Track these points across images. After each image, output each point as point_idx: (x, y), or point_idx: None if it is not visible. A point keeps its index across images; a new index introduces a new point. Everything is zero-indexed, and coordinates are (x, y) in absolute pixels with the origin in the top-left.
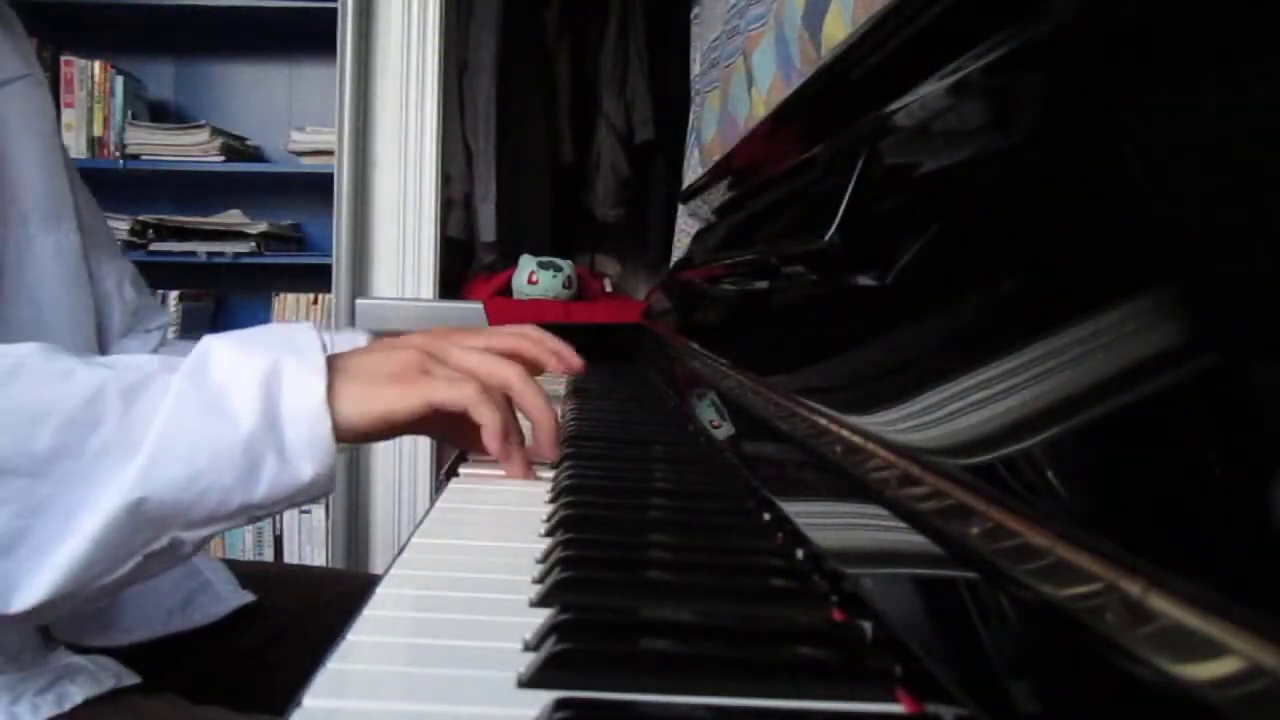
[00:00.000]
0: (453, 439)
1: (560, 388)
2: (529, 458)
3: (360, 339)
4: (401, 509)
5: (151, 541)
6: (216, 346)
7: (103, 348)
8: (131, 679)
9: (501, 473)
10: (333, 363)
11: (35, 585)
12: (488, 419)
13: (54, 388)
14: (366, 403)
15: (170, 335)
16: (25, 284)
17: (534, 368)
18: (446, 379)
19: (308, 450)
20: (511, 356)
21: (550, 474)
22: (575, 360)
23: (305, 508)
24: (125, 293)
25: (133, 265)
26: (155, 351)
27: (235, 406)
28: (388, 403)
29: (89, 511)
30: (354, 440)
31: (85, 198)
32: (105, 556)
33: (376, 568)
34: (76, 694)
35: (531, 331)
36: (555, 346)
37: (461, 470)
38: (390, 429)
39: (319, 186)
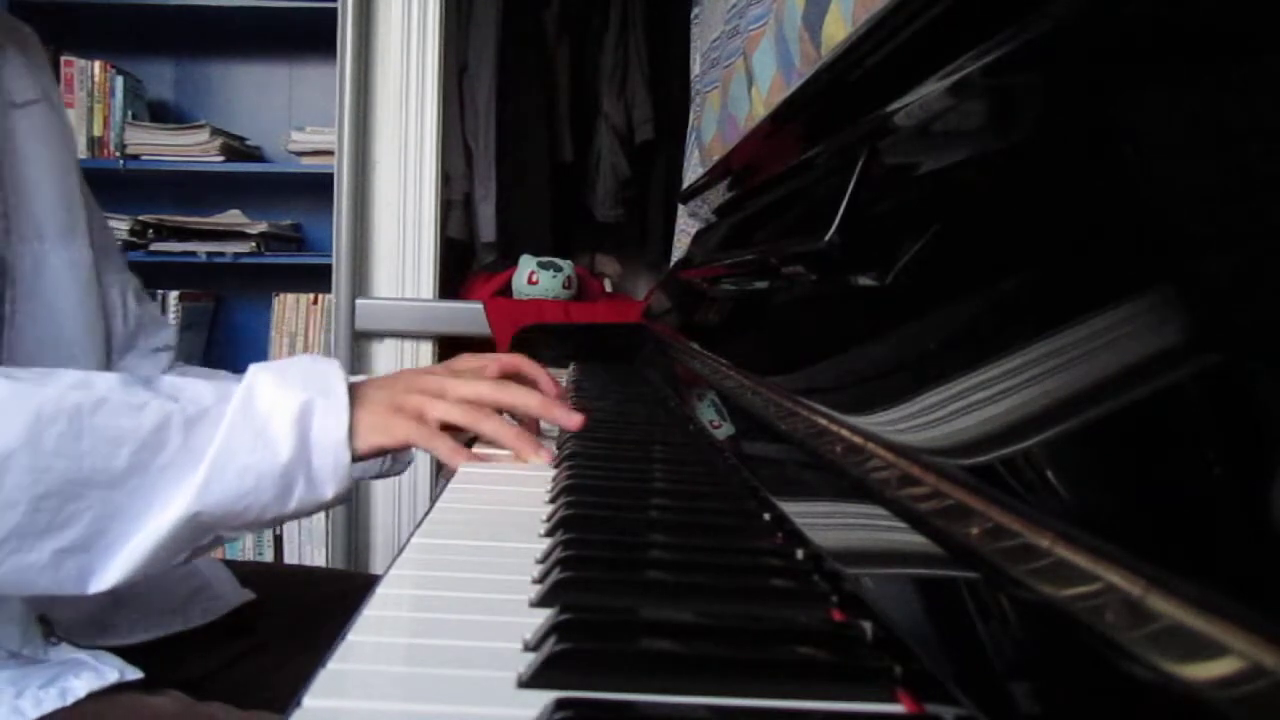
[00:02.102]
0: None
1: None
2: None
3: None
4: (401, 509)
5: (199, 540)
6: (261, 381)
7: (108, 357)
8: (134, 674)
9: (501, 472)
10: (353, 395)
11: (108, 574)
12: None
13: (131, 417)
14: (369, 437)
15: (175, 359)
16: (44, 295)
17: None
18: (435, 414)
19: (331, 476)
20: (509, 376)
21: (550, 474)
22: (572, 419)
23: None
24: (128, 304)
25: (136, 279)
26: (166, 374)
27: (276, 438)
28: (383, 438)
29: (154, 518)
30: (362, 460)
31: (98, 215)
32: (164, 553)
33: (376, 568)
34: (79, 688)
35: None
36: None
37: (461, 470)
38: (385, 453)
39: (319, 186)
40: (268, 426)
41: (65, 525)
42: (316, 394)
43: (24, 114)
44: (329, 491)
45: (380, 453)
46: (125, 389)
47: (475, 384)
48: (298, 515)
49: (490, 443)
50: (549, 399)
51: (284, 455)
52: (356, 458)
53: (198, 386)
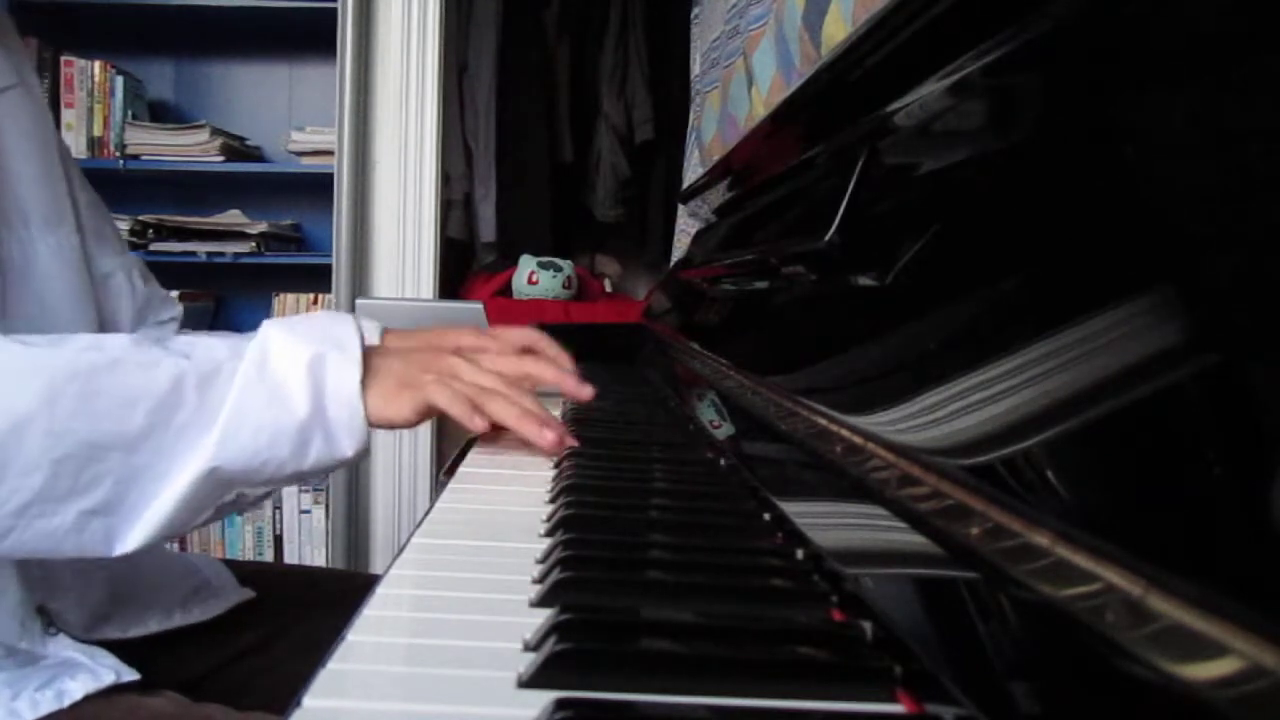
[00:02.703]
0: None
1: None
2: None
3: (372, 328)
4: (401, 509)
5: (222, 497)
6: (275, 338)
7: None
8: (131, 675)
9: (502, 472)
10: (367, 357)
11: (133, 536)
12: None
13: (144, 376)
14: (380, 407)
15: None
16: (32, 283)
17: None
18: (444, 397)
19: (347, 430)
20: (525, 352)
21: (550, 474)
22: (583, 391)
23: (305, 507)
24: (135, 284)
25: (138, 259)
26: None
27: (291, 394)
28: (394, 410)
29: (174, 477)
30: (378, 425)
31: (88, 197)
32: (187, 510)
33: (376, 568)
34: (76, 690)
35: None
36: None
37: (461, 470)
38: (393, 427)
39: (319, 186)
40: (282, 382)
41: (87, 488)
42: (329, 347)
43: (1, 99)
44: (348, 447)
45: (388, 425)
46: (138, 348)
47: (488, 374)
48: (319, 472)
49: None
50: (564, 371)
51: (299, 411)
52: (374, 422)
53: (210, 343)
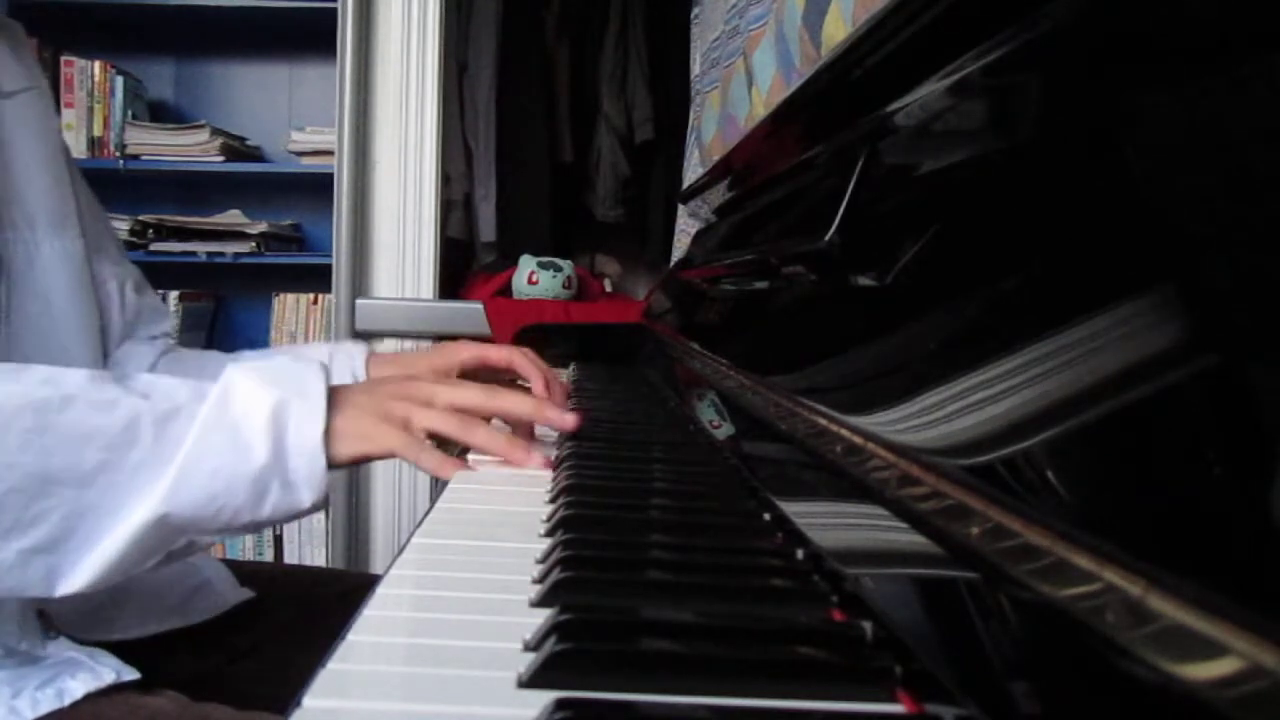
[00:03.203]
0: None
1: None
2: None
3: (357, 351)
4: (401, 509)
5: (173, 542)
6: (238, 381)
7: (104, 348)
8: (131, 674)
9: (501, 472)
10: (333, 399)
11: (77, 576)
12: (426, 461)
13: (101, 415)
14: (349, 446)
15: (172, 343)
16: (37, 286)
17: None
18: (409, 438)
19: (306, 481)
20: (506, 373)
21: (550, 474)
22: (566, 420)
23: None
24: (126, 296)
25: (137, 269)
26: (159, 360)
27: (250, 440)
28: (365, 447)
29: (123, 518)
30: (342, 468)
31: (88, 202)
32: (134, 555)
33: (376, 568)
34: (76, 689)
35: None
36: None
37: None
38: (366, 461)
39: (319, 186)
40: (242, 427)
41: (32, 524)
42: (292, 394)
43: (12, 103)
44: (305, 498)
45: (362, 460)
46: (95, 386)
47: (465, 391)
48: (273, 521)
49: (482, 452)
50: (541, 401)
51: (258, 458)
52: (335, 465)
53: (171, 384)
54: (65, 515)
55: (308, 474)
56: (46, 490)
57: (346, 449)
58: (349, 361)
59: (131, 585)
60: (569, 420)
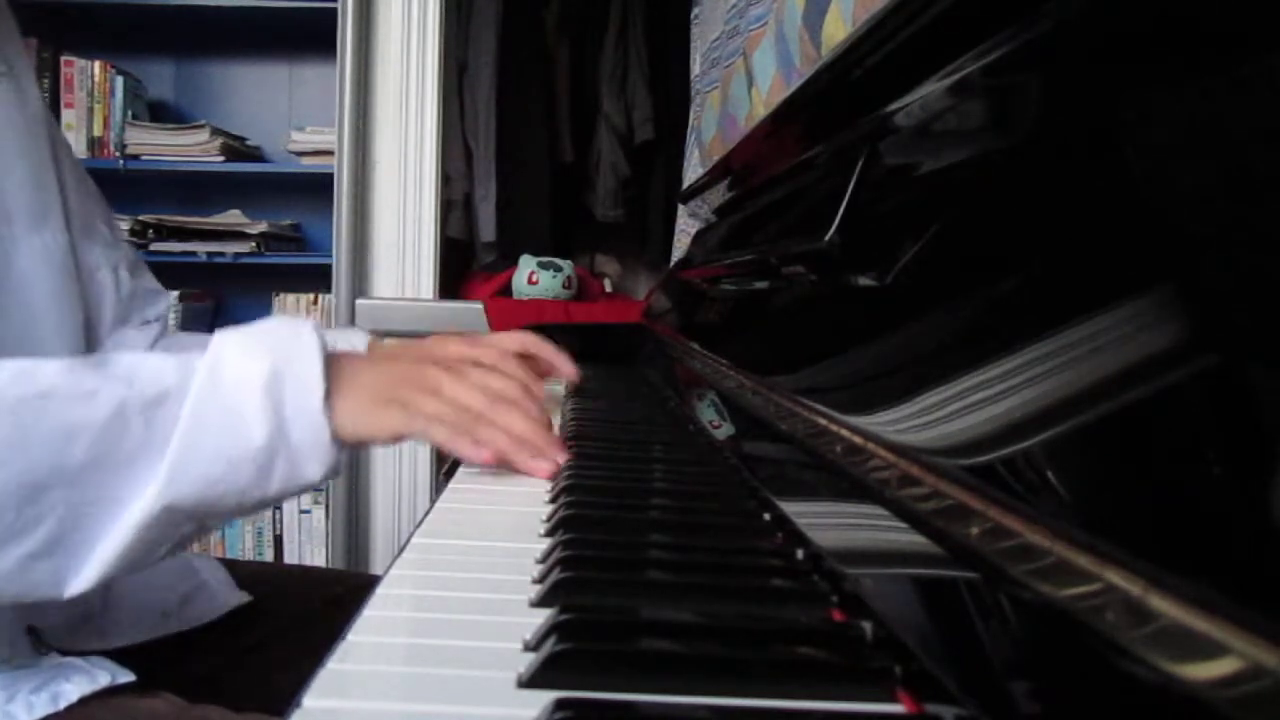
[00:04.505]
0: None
1: (560, 387)
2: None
3: (358, 338)
4: (401, 509)
5: (181, 529)
6: (227, 355)
7: (95, 340)
8: (126, 677)
9: (501, 473)
10: (333, 369)
11: (82, 577)
12: (466, 449)
13: (81, 406)
14: (353, 423)
15: (171, 326)
16: (12, 284)
17: (537, 366)
18: (426, 415)
19: (312, 452)
20: (519, 356)
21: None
22: (570, 367)
23: (305, 507)
24: (120, 279)
25: (132, 250)
26: (155, 344)
27: (247, 415)
28: (371, 428)
29: (123, 512)
30: (347, 447)
31: (76, 184)
32: (140, 547)
33: (376, 568)
34: (72, 692)
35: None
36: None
37: (461, 470)
38: (367, 446)
39: (319, 186)
40: (236, 403)
41: (27, 530)
42: (284, 360)
43: None
44: (314, 470)
45: (364, 444)
46: (73, 376)
47: (470, 390)
48: (282, 498)
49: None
50: (518, 444)
51: (258, 434)
52: (338, 440)
53: (157, 364)
54: (61, 517)
55: (312, 444)
56: (36, 494)
57: (349, 429)
58: (351, 338)
59: (125, 590)
60: (543, 467)
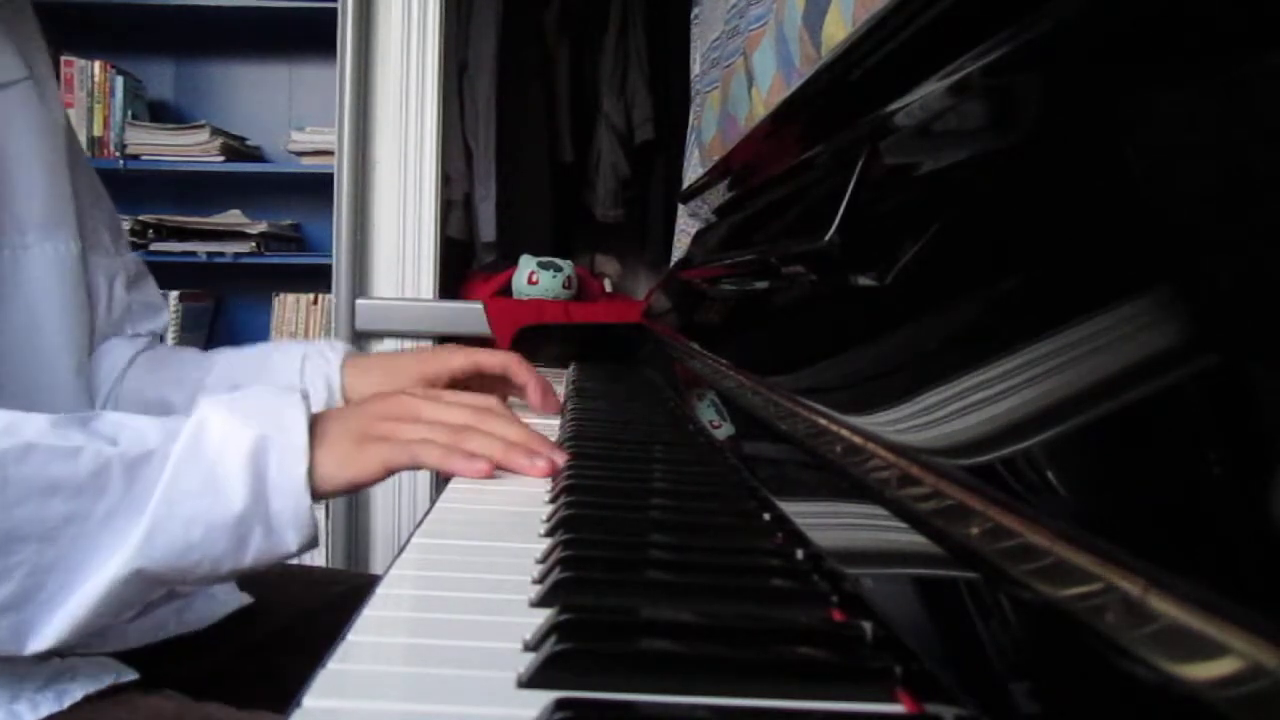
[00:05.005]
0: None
1: (560, 388)
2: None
3: (334, 356)
4: (401, 509)
5: (148, 596)
6: (211, 419)
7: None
8: (130, 675)
9: (501, 473)
10: (314, 430)
11: (47, 633)
12: (459, 465)
13: (63, 462)
14: (339, 469)
15: (169, 338)
16: (21, 292)
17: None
18: (412, 441)
19: (291, 524)
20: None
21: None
22: (536, 398)
23: None
24: (115, 292)
25: (135, 261)
26: (136, 357)
27: (227, 483)
28: (358, 469)
29: (94, 572)
30: (328, 498)
31: (89, 190)
32: (107, 610)
33: (376, 568)
34: (76, 691)
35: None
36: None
37: None
38: (358, 489)
39: (319, 186)
40: (218, 470)
41: None
42: (271, 429)
43: (6, 95)
44: (291, 541)
45: (352, 489)
46: (56, 432)
47: (450, 408)
48: (257, 568)
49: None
50: (512, 447)
51: (237, 502)
52: (321, 496)
53: (141, 425)
54: (30, 571)
55: (293, 515)
56: (9, 546)
57: (332, 479)
58: (323, 366)
59: None
60: (539, 465)
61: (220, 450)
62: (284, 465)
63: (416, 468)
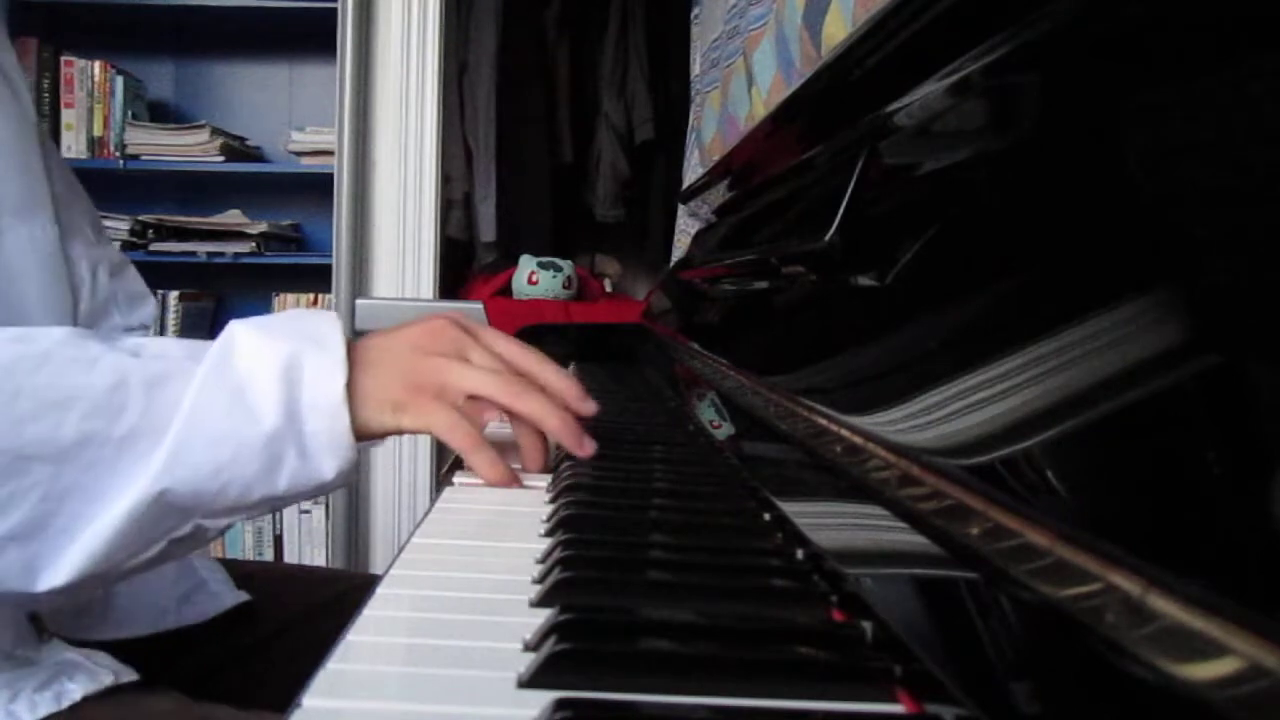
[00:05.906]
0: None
1: None
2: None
3: (328, 325)
4: (401, 509)
5: (175, 528)
6: (241, 335)
7: None
8: (130, 675)
9: None
10: (354, 355)
11: (60, 568)
12: (480, 462)
13: (80, 375)
14: (379, 415)
15: (149, 334)
16: (1, 276)
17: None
18: (455, 417)
19: (328, 448)
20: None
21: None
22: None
23: (305, 507)
24: (99, 279)
25: (119, 253)
26: None
27: (257, 400)
28: (399, 420)
29: (114, 498)
30: (370, 441)
31: (65, 185)
32: (130, 542)
33: (376, 568)
34: (75, 691)
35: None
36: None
37: (461, 470)
38: (399, 433)
39: (319, 186)
40: (248, 386)
41: (4, 508)
42: (306, 344)
43: None
44: (328, 467)
45: (392, 434)
46: (75, 343)
47: (506, 343)
48: (292, 497)
49: (525, 424)
50: (566, 421)
51: (268, 421)
52: (363, 437)
53: (163, 342)
54: (44, 496)
55: (328, 438)
56: (20, 467)
57: (377, 419)
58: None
59: (122, 587)
60: (589, 447)
61: (250, 366)
62: (319, 382)
63: (455, 446)
